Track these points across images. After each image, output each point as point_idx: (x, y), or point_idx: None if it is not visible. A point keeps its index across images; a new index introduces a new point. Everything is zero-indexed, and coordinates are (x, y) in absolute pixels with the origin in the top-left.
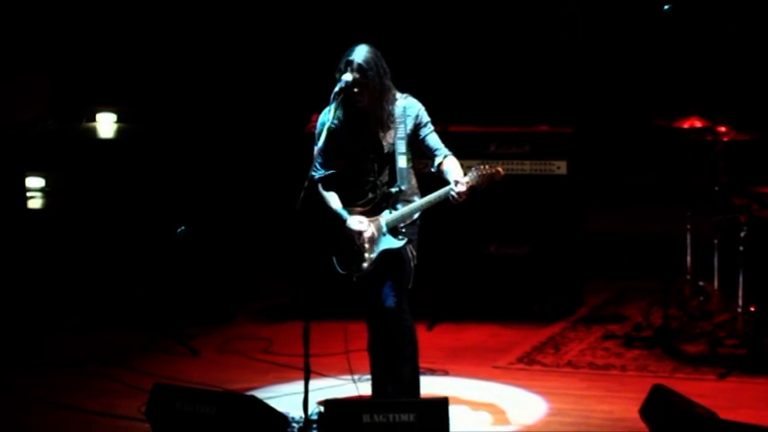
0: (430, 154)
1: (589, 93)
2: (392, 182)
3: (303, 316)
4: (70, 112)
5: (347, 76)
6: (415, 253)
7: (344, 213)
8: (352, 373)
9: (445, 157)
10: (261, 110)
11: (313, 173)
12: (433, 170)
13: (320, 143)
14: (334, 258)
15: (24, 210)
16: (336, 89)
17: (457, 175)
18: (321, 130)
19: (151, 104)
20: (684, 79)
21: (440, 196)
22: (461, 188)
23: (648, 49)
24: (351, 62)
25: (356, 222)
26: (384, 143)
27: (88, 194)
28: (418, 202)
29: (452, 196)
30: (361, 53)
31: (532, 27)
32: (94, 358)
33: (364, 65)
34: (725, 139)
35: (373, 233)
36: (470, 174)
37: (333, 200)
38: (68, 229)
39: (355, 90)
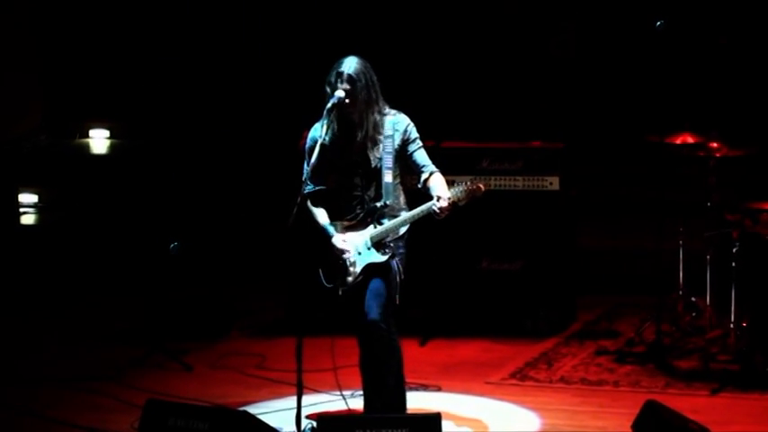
0: (417, 170)
1: (582, 108)
2: (379, 197)
3: (296, 331)
4: (63, 128)
5: (339, 92)
6: (401, 268)
7: (330, 230)
8: (340, 388)
9: (431, 173)
10: (254, 125)
11: (304, 189)
12: (419, 186)
13: (312, 159)
14: (320, 272)
15: (17, 225)
16: (329, 105)
17: (441, 191)
18: (312, 146)
19: (144, 120)
20: (677, 95)
21: (423, 211)
22: (443, 203)
23: (641, 65)
24: (341, 74)
25: (340, 241)
26: (371, 157)
27: (81, 210)
28: (402, 216)
29: (434, 211)
30: (351, 64)
31: (525, 42)
32: (87, 373)
33: (354, 75)
34: (717, 155)
35: (357, 251)
36: (453, 189)
37: (320, 215)
38: (61, 245)
39: (347, 101)
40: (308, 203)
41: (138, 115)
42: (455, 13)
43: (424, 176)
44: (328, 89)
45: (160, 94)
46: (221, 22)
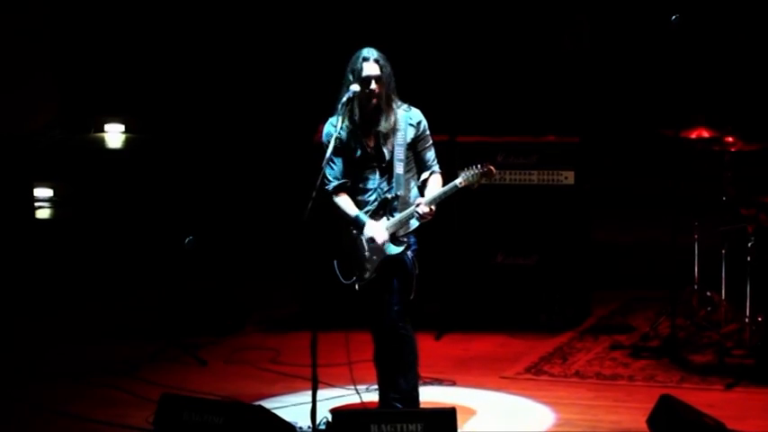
0: (421, 168)
1: (596, 102)
2: (391, 189)
3: (310, 326)
4: (78, 123)
5: (355, 87)
6: (416, 262)
7: (363, 218)
8: (354, 383)
9: (431, 174)
10: (268, 120)
11: (326, 185)
12: (418, 184)
13: (328, 153)
14: (336, 268)
15: (33, 219)
16: (344, 99)
17: (426, 196)
18: (329, 141)
19: (159, 115)
20: (692, 89)
21: (405, 216)
22: (423, 209)
23: (656, 59)
24: (367, 58)
25: (373, 230)
26: (385, 150)
27: (96, 204)
28: (404, 212)
29: (416, 214)
30: (374, 52)
31: (540, 37)
32: (103, 368)
33: (381, 61)
34: (732, 150)
35: (384, 241)
36: (465, 173)
37: (349, 207)
38: (77, 240)
39: (372, 88)
40: (334, 198)
41: (153, 110)
42: (469, 8)
43: (424, 176)
44: (351, 77)
45: (175, 89)
46: (236, 15)
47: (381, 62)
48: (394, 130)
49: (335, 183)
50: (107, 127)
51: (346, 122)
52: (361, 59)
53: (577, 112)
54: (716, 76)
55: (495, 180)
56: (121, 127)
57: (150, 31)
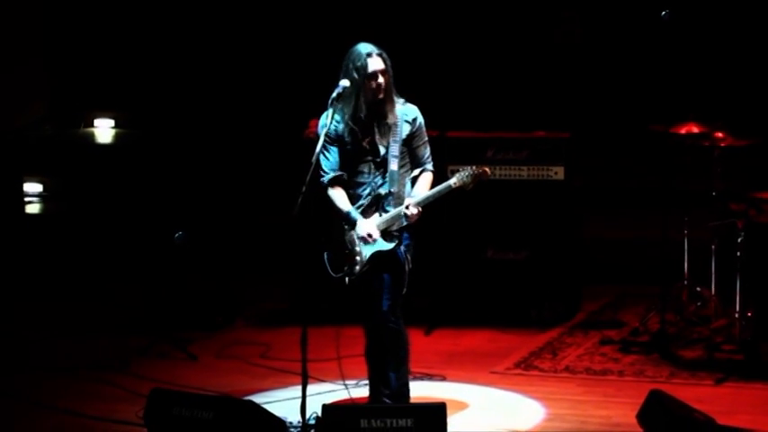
0: (414, 164)
1: (587, 98)
2: (384, 185)
3: (301, 321)
4: (68, 118)
5: (344, 82)
6: (409, 257)
7: (355, 214)
8: (343, 378)
9: (422, 171)
10: (259, 115)
11: (321, 176)
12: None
13: (319, 146)
14: (326, 262)
15: (22, 215)
16: (334, 94)
17: (414, 195)
18: (323, 134)
19: (149, 110)
20: (682, 85)
21: (396, 214)
22: (411, 210)
23: (646, 55)
24: (370, 54)
25: (364, 227)
26: (380, 145)
27: (87, 200)
28: (396, 209)
29: (405, 215)
30: (373, 46)
31: (531, 32)
32: (93, 363)
33: (383, 54)
34: (722, 145)
35: (374, 238)
36: (459, 174)
37: (342, 201)
38: (66, 234)
39: (380, 82)
40: (329, 190)
41: (143, 105)
42: (460, 2)
43: (416, 173)
44: (356, 74)
45: (165, 84)
46: (227, 11)
47: (384, 55)
48: (392, 126)
49: (332, 174)
50: (97, 122)
51: (338, 117)
52: (365, 56)
53: (568, 108)
54: (706, 72)
55: None
56: (111, 122)
57: (141, 27)
